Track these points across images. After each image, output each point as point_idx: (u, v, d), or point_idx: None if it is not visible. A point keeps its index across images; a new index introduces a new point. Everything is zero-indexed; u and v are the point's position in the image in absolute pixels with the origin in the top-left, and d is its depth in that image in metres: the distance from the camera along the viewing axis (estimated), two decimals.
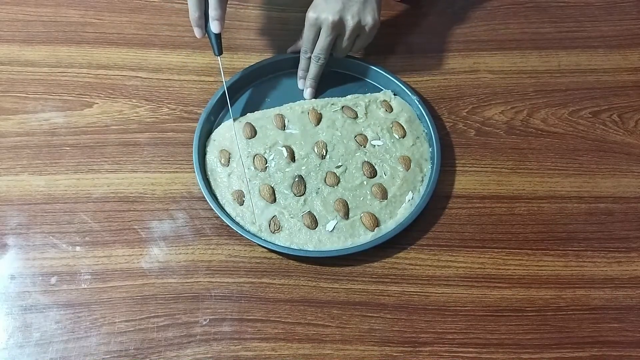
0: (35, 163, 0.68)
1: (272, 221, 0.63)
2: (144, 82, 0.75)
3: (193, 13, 0.62)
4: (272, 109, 0.71)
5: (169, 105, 0.73)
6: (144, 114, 0.72)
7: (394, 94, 0.73)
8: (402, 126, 0.71)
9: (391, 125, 0.71)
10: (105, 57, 0.76)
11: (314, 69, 0.71)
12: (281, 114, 0.70)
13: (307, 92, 0.72)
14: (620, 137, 0.73)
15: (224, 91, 0.68)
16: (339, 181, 0.66)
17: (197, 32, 0.64)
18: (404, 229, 0.63)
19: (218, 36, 0.64)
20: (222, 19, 0.62)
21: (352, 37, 0.70)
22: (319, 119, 0.70)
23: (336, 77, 0.75)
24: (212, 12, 0.62)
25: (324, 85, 0.73)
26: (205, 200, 0.64)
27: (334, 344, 0.59)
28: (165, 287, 0.61)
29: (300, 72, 0.73)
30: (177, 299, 0.60)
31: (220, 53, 0.65)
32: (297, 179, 0.66)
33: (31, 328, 0.58)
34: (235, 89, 0.73)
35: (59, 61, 0.75)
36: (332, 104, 0.72)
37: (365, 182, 0.66)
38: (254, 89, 0.74)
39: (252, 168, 0.67)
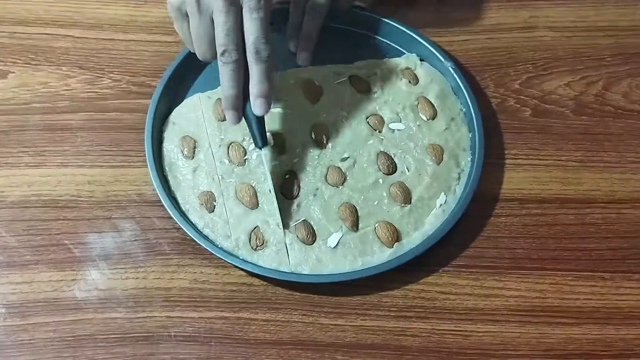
0: None
1: (253, 234, 0.63)
2: (77, 44, 0.74)
3: (228, 90, 0.58)
4: None
5: (111, 75, 0.72)
6: (78, 88, 0.72)
7: (421, 60, 0.73)
8: (432, 103, 0.70)
9: (416, 103, 0.70)
10: (25, 9, 0.76)
11: (310, 25, 0.71)
12: None
13: (302, 57, 0.71)
14: None
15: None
16: (345, 179, 0.66)
17: (231, 117, 0.60)
18: (434, 244, 0.63)
19: (261, 121, 0.61)
20: (269, 95, 0.58)
21: None
22: (317, 94, 0.70)
23: (341, 37, 0.75)
24: (255, 87, 0.58)
25: (325, 48, 0.73)
26: (162, 206, 0.64)
27: None
28: (107, 324, 0.61)
29: (290, 30, 0.72)
30: (124, 341, 0.60)
31: (264, 144, 0.62)
32: (287, 177, 0.65)
33: None
34: None
35: None
36: (336, 74, 0.71)
37: (381, 181, 0.66)
38: None
39: (226, 161, 0.66)
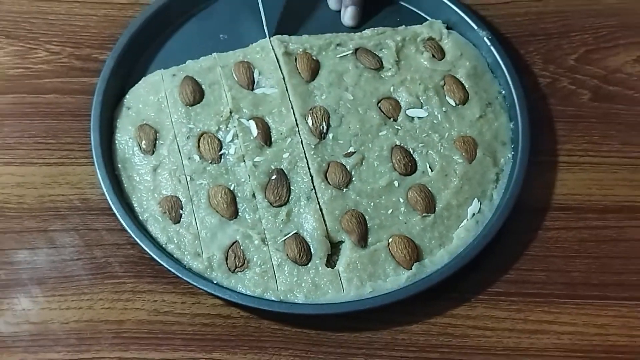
0: None
1: (231, 251, 0.64)
2: (4, 6, 0.75)
3: None
4: (230, 52, 0.72)
5: (48, 47, 0.73)
6: (4, 62, 0.73)
7: (448, 28, 0.74)
8: (462, 84, 0.71)
9: (442, 83, 0.71)
10: None
11: None
12: (247, 62, 0.71)
13: (349, 14, 0.73)
14: None
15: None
16: (349, 180, 0.67)
17: None
18: (464, 266, 0.64)
19: None
20: None
21: None
22: (314, 70, 0.71)
23: None
24: None
25: (324, 12, 0.74)
26: (113, 215, 0.64)
27: None
28: None
29: None
30: None
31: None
32: (274, 177, 0.66)
33: None
34: (166, 18, 0.74)
35: None
36: (339, 45, 0.72)
37: (396, 183, 0.67)
38: (198, 17, 0.75)
39: (197, 157, 0.67)
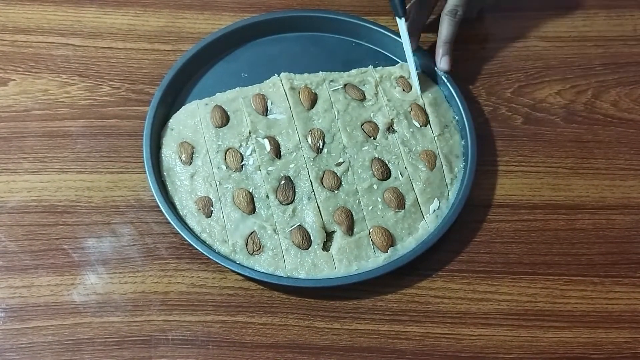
0: None
1: (250, 239, 0.64)
2: (77, 52, 0.75)
3: None
4: (249, 87, 0.72)
5: (111, 83, 0.73)
6: (77, 95, 0.72)
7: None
8: (425, 111, 0.71)
9: (410, 110, 0.71)
10: (25, 18, 0.76)
11: (451, 29, 0.71)
12: (262, 94, 0.71)
13: (445, 61, 0.71)
14: None
15: (411, 58, 0.70)
16: (340, 183, 0.66)
17: None
18: (427, 250, 0.64)
19: None
20: None
21: None
22: (313, 100, 0.71)
23: (336, 45, 0.75)
24: None
25: (320, 56, 0.74)
26: (160, 211, 0.64)
27: None
28: (105, 328, 0.61)
29: (412, 28, 0.71)
30: (122, 344, 0.60)
31: (404, 14, 0.68)
32: (283, 182, 0.66)
33: None
34: (200, 61, 0.73)
35: None
36: (331, 81, 0.72)
37: (375, 186, 0.67)
38: (225, 60, 0.75)
39: (224, 167, 0.67)
